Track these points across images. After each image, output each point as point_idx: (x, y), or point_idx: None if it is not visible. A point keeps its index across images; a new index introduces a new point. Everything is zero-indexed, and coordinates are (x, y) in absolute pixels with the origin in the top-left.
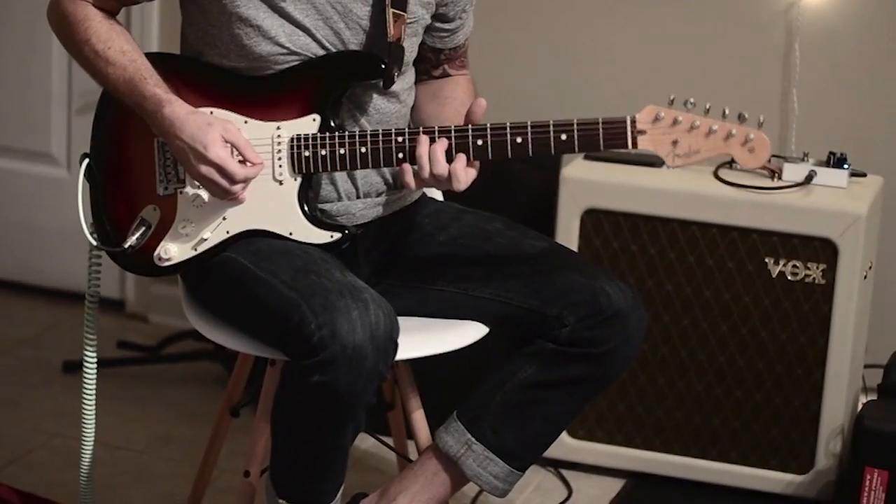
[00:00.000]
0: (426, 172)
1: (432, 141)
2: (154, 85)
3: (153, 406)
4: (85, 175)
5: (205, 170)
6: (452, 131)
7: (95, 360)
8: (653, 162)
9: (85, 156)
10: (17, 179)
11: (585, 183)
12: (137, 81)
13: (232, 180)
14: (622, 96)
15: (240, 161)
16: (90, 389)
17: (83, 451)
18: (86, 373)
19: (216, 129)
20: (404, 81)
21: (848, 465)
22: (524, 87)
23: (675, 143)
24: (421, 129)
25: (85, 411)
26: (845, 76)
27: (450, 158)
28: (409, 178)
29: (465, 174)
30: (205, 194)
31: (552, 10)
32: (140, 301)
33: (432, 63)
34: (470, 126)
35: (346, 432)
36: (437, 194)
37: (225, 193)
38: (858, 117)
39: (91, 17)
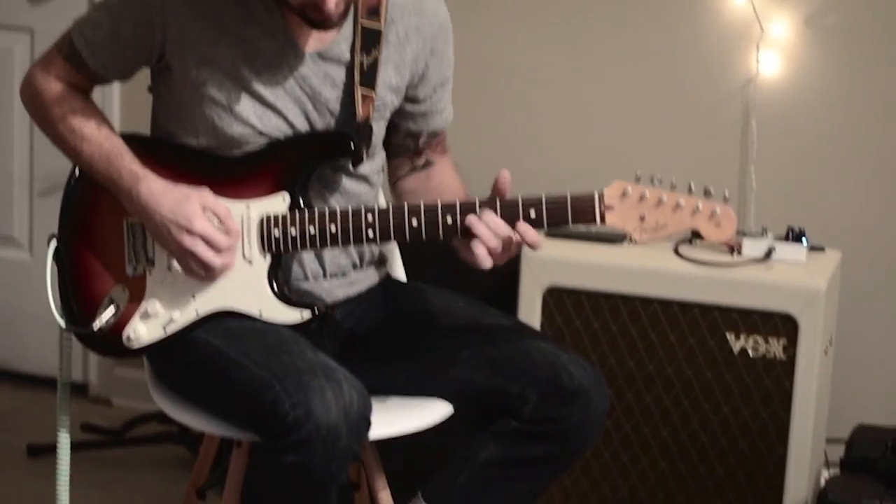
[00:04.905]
0: (492, 238)
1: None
2: (130, 161)
3: (118, 490)
4: (53, 257)
5: (188, 242)
6: (422, 207)
7: (69, 443)
8: (613, 239)
9: (52, 237)
10: None
11: (547, 261)
12: (114, 157)
13: (218, 250)
14: (583, 171)
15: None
16: (64, 475)
17: None
18: (60, 458)
19: (195, 201)
20: (374, 164)
21: None
22: (488, 164)
23: (642, 218)
24: (440, 202)
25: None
26: (802, 152)
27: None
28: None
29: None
30: (174, 274)
31: (514, 87)
32: (103, 384)
33: (412, 150)
34: (439, 203)
35: None
36: (401, 275)
37: (206, 267)
38: (815, 192)
39: (66, 95)
